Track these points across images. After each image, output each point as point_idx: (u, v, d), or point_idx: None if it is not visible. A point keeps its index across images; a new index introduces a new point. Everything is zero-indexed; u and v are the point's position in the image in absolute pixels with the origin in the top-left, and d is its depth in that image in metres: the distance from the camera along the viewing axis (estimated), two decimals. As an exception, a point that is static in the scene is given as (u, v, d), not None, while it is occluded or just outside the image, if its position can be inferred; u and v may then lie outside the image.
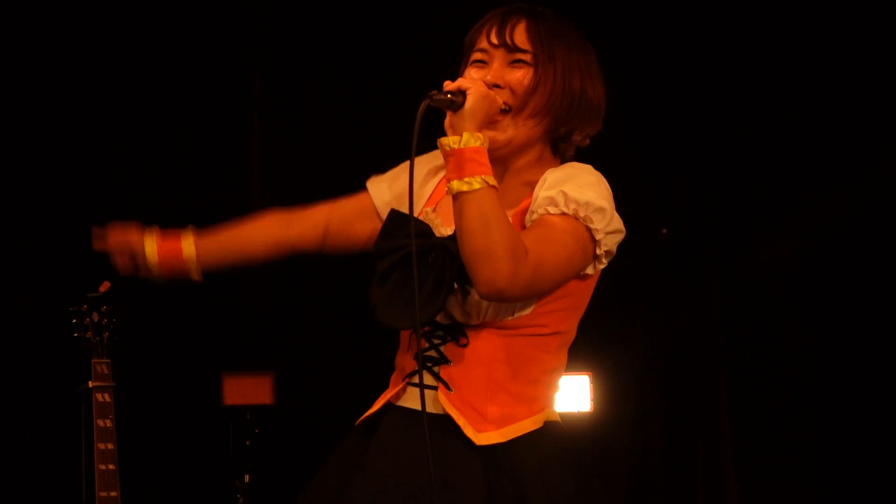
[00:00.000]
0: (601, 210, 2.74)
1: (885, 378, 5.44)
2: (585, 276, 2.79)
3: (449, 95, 2.70)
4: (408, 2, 5.65)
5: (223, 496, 5.44)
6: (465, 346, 2.78)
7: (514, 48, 2.84)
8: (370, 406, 2.86)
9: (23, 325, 5.47)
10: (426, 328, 2.78)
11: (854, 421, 5.47)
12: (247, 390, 5.37)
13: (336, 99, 5.75)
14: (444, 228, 2.83)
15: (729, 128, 5.66)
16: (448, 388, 2.78)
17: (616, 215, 2.78)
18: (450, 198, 2.76)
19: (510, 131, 2.81)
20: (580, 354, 5.14)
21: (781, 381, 5.55)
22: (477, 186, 2.66)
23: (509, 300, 2.72)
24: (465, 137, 2.68)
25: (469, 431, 2.75)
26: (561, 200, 2.73)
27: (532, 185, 2.84)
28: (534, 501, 2.74)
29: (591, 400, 5.22)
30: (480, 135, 2.70)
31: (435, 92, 2.71)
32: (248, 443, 5.35)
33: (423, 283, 2.72)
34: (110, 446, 4.57)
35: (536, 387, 2.80)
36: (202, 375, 5.50)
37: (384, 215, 2.88)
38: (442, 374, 2.79)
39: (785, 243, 5.53)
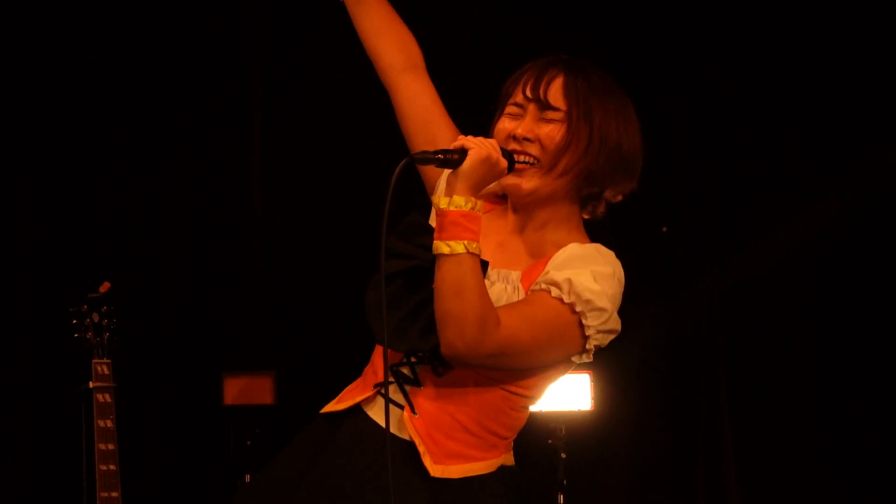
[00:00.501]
0: (601, 311, 2.72)
1: (886, 376, 5.42)
2: (570, 364, 2.79)
3: (439, 155, 2.69)
4: (408, 6, 5.70)
5: (224, 496, 5.43)
6: (440, 375, 2.77)
7: (546, 105, 2.82)
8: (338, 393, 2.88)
9: (23, 325, 5.46)
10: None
11: (855, 419, 5.46)
12: (247, 390, 5.36)
13: (337, 102, 5.70)
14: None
15: (729, 126, 5.65)
16: (413, 411, 2.77)
17: (615, 316, 2.76)
18: (499, 239, 2.83)
19: (535, 181, 2.78)
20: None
21: (782, 379, 5.55)
22: (458, 251, 2.66)
23: (471, 366, 2.71)
24: (454, 199, 2.67)
25: (427, 461, 2.75)
26: (565, 288, 2.71)
27: (555, 246, 2.83)
28: None
29: (592, 398, 5.19)
30: (473, 199, 2.68)
31: (424, 151, 2.73)
32: (248, 443, 5.34)
33: (426, 306, 2.71)
34: (111, 447, 4.57)
35: (497, 438, 2.81)
36: (203, 375, 5.50)
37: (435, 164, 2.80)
38: (411, 396, 2.79)
39: (785, 241, 5.51)
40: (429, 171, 2.95)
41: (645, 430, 5.55)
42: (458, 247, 2.66)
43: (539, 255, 2.83)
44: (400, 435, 2.78)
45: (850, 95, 5.48)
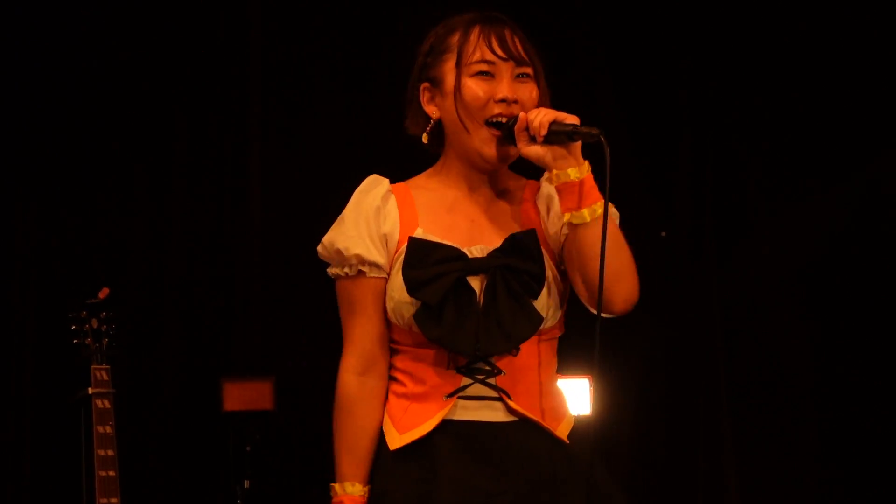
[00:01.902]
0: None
1: (888, 378, 5.42)
2: None
3: (583, 129, 2.72)
4: (407, 6, 5.58)
5: (224, 502, 5.43)
6: (516, 355, 2.80)
7: (521, 61, 2.83)
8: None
9: (22, 331, 5.45)
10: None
11: (857, 423, 5.45)
12: (247, 396, 5.35)
13: (335, 104, 5.71)
14: (470, 249, 2.83)
15: (727, 129, 5.65)
16: (509, 396, 2.79)
17: None
18: (443, 214, 2.85)
19: (524, 146, 2.82)
20: (580, 357, 5.18)
21: (783, 383, 5.55)
22: (600, 212, 2.73)
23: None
24: (585, 166, 2.75)
25: (551, 429, 2.80)
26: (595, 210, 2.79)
27: (512, 193, 2.90)
28: (605, 481, 2.81)
29: (592, 402, 5.21)
30: (586, 164, 2.77)
31: (563, 125, 2.73)
32: (248, 448, 5.33)
33: (498, 303, 2.75)
34: (110, 452, 4.56)
35: (557, 386, 2.88)
36: (202, 381, 5.50)
37: (392, 258, 2.83)
38: (500, 384, 2.80)
39: (785, 244, 5.54)
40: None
41: (645, 435, 5.59)
42: (599, 208, 2.74)
43: (513, 212, 2.89)
44: (509, 418, 2.80)
45: (849, 99, 5.48)
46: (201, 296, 5.67)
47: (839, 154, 5.50)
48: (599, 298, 2.75)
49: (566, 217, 2.76)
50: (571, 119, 2.75)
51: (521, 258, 2.82)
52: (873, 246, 5.47)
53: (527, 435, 2.80)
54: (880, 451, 5.45)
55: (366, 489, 2.84)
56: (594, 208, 2.75)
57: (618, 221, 2.86)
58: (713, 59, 5.65)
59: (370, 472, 2.88)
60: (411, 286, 2.77)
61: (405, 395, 2.86)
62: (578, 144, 2.76)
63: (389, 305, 2.84)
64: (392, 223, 2.89)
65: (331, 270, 2.91)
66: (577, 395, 5.16)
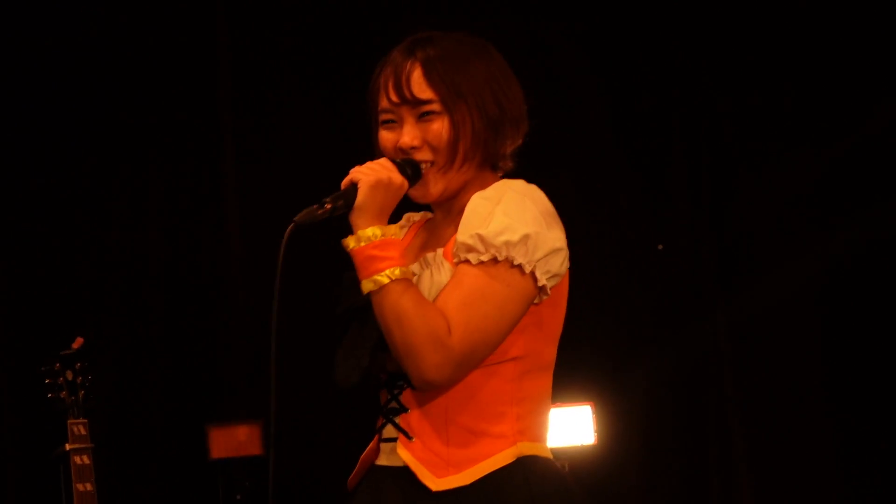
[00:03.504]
0: (523, 241, 2.64)
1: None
2: (539, 303, 2.71)
3: (327, 205, 2.62)
4: (384, 14, 5.59)
5: None
6: (413, 388, 2.70)
7: (417, 101, 2.72)
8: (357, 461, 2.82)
9: None
10: (384, 378, 2.72)
11: (869, 442, 5.48)
12: (234, 441, 5.42)
13: (311, 133, 5.70)
14: None
15: (722, 142, 5.65)
16: (408, 437, 2.70)
17: (545, 233, 2.68)
18: (415, 245, 2.80)
19: (441, 184, 2.71)
20: (581, 383, 5.28)
21: (795, 405, 5.59)
22: (384, 282, 2.61)
23: (448, 384, 2.66)
24: (361, 235, 2.64)
25: (426, 479, 2.66)
26: (479, 246, 2.63)
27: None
28: None
29: (595, 431, 5.24)
30: (378, 227, 2.64)
31: (314, 207, 2.63)
32: (238, 497, 5.44)
33: (373, 331, 2.66)
34: None
35: (503, 421, 2.69)
36: (186, 428, 5.55)
37: None
38: (402, 424, 2.71)
39: (790, 263, 5.56)
40: None
41: (653, 463, 5.66)
42: (382, 278, 2.62)
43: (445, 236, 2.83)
44: (397, 465, 2.69)
45: (849, 110, 5.45)
46: (181, 340, 5.70)
47: (844, 177, 5.47)
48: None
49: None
50: (356, 176, 2.64)
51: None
52: (880, 267, 5.48)
53: (406, 486, 2.71)
54: (889, 480, 5.50)
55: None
56: (375, 280, 2.62)
57: (393, 294, 2.65)
58: (707, 72, 5.66)
59: None
60: (338, 317, 2.78)
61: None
62: (360, 208, 2.63)
63: None
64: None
65: None
66: (579, 423, 5.13)
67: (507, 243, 2.63)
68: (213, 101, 5.91)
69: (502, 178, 2.86)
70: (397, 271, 2.62)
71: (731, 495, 5.66)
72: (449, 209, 2.81)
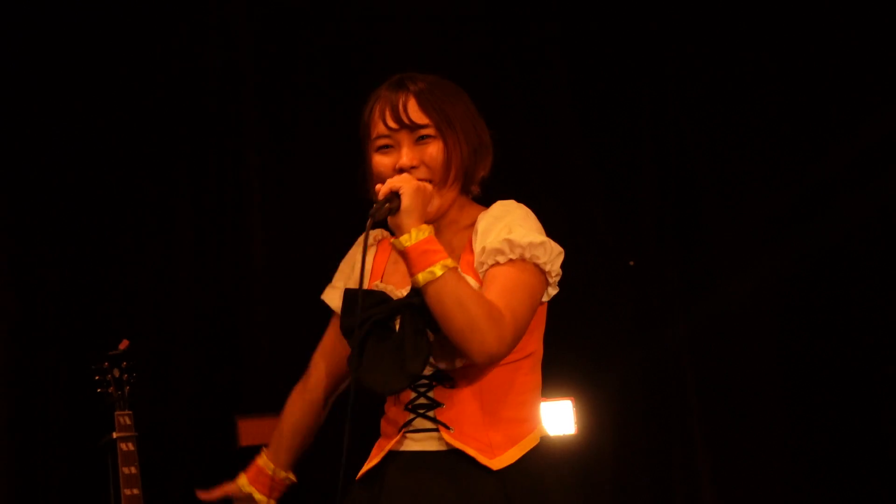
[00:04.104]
0: (542, 244, 2.76)
1: (851, 393, 5.35)
2: (543, 302, 2.83)
3: (386, 205, 2.69)
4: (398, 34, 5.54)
5: None
6: (451, 387, 2.78)
7: (415, 126, 2.81)
8: (368, 453, 2.91)
9: (52, 383, 5.39)
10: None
11: (821, 434, 5.37)
12: (260, 431, 5.18)
13: (332, 154, 5.48)
14: (398, 291, 2.85)
15: (688, 157, 5.55)
16: (448, 427, 2.78)
17: (550, 240, 2.80)
18: (395, 264, 2.87)
19: (436, 202, 2.81)
20: (563, 380, 5.15)
21: (751, 401, 5.46)
22: (440, 273, 2.67)
23: (504, 357, 2.73)
24: (413, 234, 2.69)
25: (483, 460, 2.76)
26: (507, 249, 2.74)
27: (467, 230, 2.88)
28: None
29: (575, 423, 5.17)
30: (425, 226, 2.71)
31: (374, 208, 2.70)
32: None
33: (403, 340, 2.72)
34: (136, 491, 4.55)
35: (525, 408, 2.82)
36: (218, 419, 5.45)
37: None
38: (439, 417, 2.79)
39: (747, 269, 5.44)
40: None
41: (624, 452, 5.50)
42: (438, 269, 2.67)
43: (465, 245, 2.86)
44: (441, 448, 2.80)
45: (815, 126, 5.37)
46: (213, 342, 5.62)
47: (800, 184, 5.39)
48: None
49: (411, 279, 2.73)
50: (400, 185, 2.72)
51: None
52: (835, 271, 5.37)
53: (459, 465, 2.78)
54: (845, 463, 5.36)
55: (270, 464, 3.27)
56: (431, 270, 2.68)
57: (451, 282, 2.71)
58: (674, 85, 5.56)
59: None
60: (345, 332, 2.82)
61: (380, 434, 2.91)
62: (407, 211, 2.71)
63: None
64: (355, 277, 2.91)
65: (322, 296, 3.11)
66: (561, 416, 5.13)
67: (531, 244, 2.76)
68: (239, 117, 5.69)
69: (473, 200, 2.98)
70: (450, 261, 2.70)
71: (693, 482, 5.49)
72: (438, 225, 2.87)
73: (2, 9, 5.41)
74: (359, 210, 2.96)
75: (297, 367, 5.48)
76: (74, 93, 5.48)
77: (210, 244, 5.67)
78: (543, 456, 2.84)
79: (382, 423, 2.91)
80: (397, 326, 2.79)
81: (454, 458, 2.80)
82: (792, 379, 5.42)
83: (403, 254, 2.70)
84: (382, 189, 2.73)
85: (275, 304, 5.63)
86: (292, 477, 3.27)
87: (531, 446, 2.82)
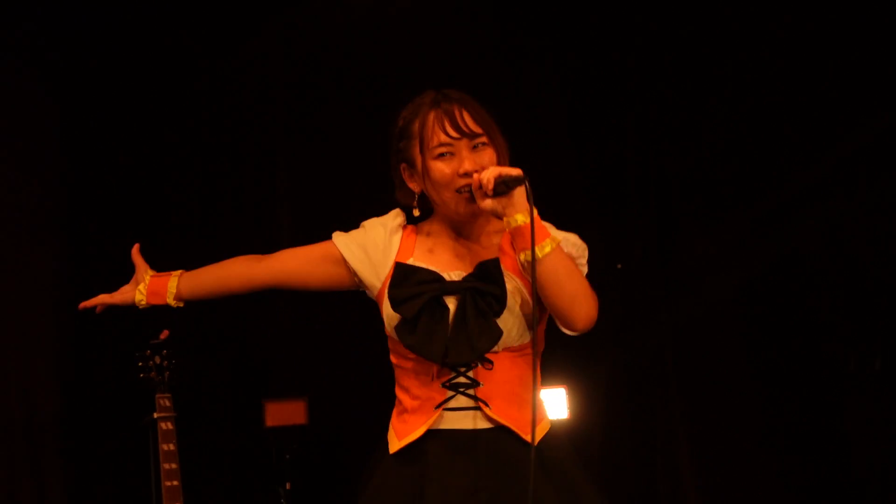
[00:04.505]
0: (575, 245, 2.85)
1: (816, 383, 5.34)
2: None
3: (525, 182, 2.71)
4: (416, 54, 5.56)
5: (269, 500, 5.40)
6: (490, 369, 2.80)
7: (473, 135, 2.83)
8: (401, 433, 2.85)
9: (100, 369, 5.48)
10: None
11: (789, 419, 5.36)
12: (285, 413, 5.39)
13: (340, 138, 5.67)
14: (449, 274, 2.85)
15: (669, 176, 5.54)
16: (487, 405, 2.81)
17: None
18: (435, 250, 2.87)
19: (487, 201, 2.80)
20: (558, 370, 5.22)
21: (724, 388, 5.44)
22: (551, 247, 2.74)
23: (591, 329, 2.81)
24: (528, 214, 2.73)
25: (522, 435, 2.79)
26: (577, 251, 2.84)
27: (498, 234, 2.89)
28: (579, 480, 2.83)
29: (569, 409, 5.22)
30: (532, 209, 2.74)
31: (505, 179, 2.71)
32: (287, 457, 5.38)
33: (467, 319, 2.75)
34: (174, 466, 4.66)
35: (537, 396, 2.85)
36: (247, 402, 5.53)
37: (355, 267, 2.90)
38: (478, 395, 2.81)
39: (721, 273, 5.43)
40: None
41: (611, 433, 5.51)
42: (552, 242, 2.74)
43: (490, 249, 2.89)
44: (487, 425, 2.81)
45: (783, 134, 5.36)
46: (243, 333, 5.68)
47: (774, 193, 5.38)
48: (534, 321, 2.74)
49: (521, 256, 2.73)
50: (515, 171, 2.73)
51: (487, 282, 2.79)
52: (803, 272, 5.37)
53: (501, 440, 2.80)
54: (812, 442, 5.36)
55: (169, 283, 3.10)
56: (542, 245, 2.73)
57: (578, 252, 2.82)
58: (659, 87, 5.52)
59: (366, 476, 2.87)
60: (394, 302, 2.79)
61: (404, 410, 2.86)
62: (521, 192, 2.72)
63: (385, 321, 2.84)
64: (385, 253, 2.90)
65: (334, 235, 2.97)
66: (555, 403, 5.17)
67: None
68: (271, 130, 5.74)
69: None
70: (558, 238, 2.76)
71: (673, 459, 5.47)
72: (470, 227, 2.89)
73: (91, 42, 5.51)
74: (370, 207, 3.02)
75: (318, 355, 5.57)
76: (145, 108, 5.58)
77: (242, 245, 5.46)
78: (557, 436, 2.87)
79: (406, 399, 2.87)
80: (452, 306, 2.79)
81: (495, 434, 2.80)
82: (759, 368, 5.40)
83: (519, 230, 2.71)
84: (489, 175, 2.73)
85: (297, 300, 5.56)
86: (181, 305, 3.14)
87: (548, 428, 2.86)
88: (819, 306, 5.35)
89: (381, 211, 3.01)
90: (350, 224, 3.03)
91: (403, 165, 2.91)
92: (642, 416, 5.54)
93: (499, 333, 2.77)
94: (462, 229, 2.90)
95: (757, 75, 5.41)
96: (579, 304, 2.75)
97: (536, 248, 2.71)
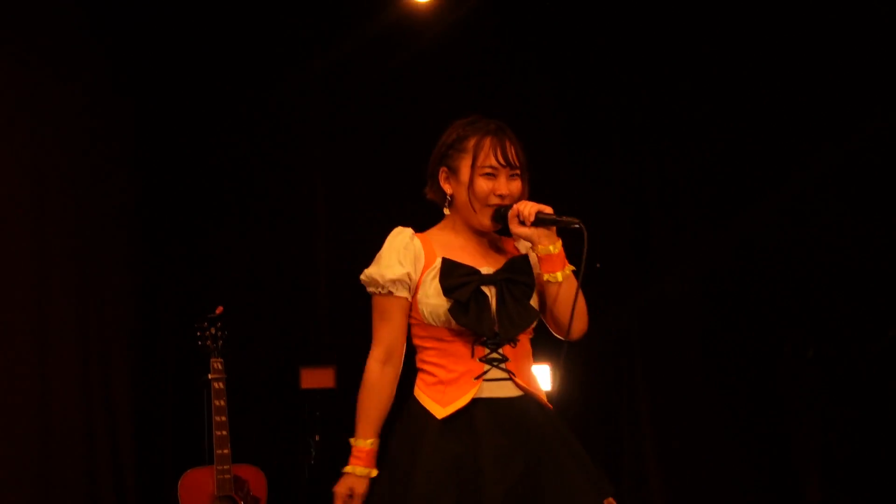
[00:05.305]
0: None
1: (753, 362, 5.41)
2: None
3: (564, 221, 2.82)
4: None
5: (302, 448, 5.52)
6: (515, 346, 2.91)
7: (514, 166, 2.94)
8: (445, 398, 2.87)
9: (166, 338, 5.56)
10: (484, 338, 2.86)
11: (738, 397, 5.41)
12: (317, 377, 5.51)
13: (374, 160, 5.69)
14: (483, 269, 2.93)
15: (642, 200, 5.58)
16: (514, 376, 2.90)
17: None
18: (462, 251, 2.93)
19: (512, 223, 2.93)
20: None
21: (682, 364, 5.52)
22: (568, 272, 2.92)
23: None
24: (557, 244, 2.89)
25: (543, 401, 2.93)
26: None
27: (496, 243, 3.00)
28: (571, 436, 2.93)
29: (552, 382, 5.24)
30: (558, 239, 2.88)
31: (550, 217, 2.81)
32: (318, 414, 5.52)
33: (506, 303, 2.84)
34: (223, 419, 4.75)
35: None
36: (285, 368, 5.64)
37: (414, 281, 2.92)
38: (507, 367, 2.90)
39: (680, 271, 5.52)
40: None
41: (587, 402, 5.60)
42: (568, 270, 2.91)
43: (502, 253, 2.98)
44: (517, 393, 2.89)
45: (755, 140, 5.35)
46: (284, 309, 5.74)
47: (731, 196, 5.42)
48: (569, 329, 2.90)
49: (546, 276, 2.87)
50: (548, 209, 2.84)
51: (519, 274, 2.90)
52: (748, 267, 5.42)
53: (529, 405, 2.90)
54: (761, 414, 5.41)
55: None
56: (564, 272, 2.89)
57: (579, 281, 2.91)
58: (639, 88, 5.48)
59: (411, 439, 2.87)
60: (446, 290, 2.85)
61: (440, 382, 2.90)
62: (554, 228, 2.84)
63: (426, 310, 2.88)
64: (417, 254, 2.94)
65: (369, 289, 2.95)
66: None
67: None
68: (308, 134, 5.78)
69: None
70: (570, 267, 2.89)
71: (636, 421, 5.55)
72: (487, 236, 2.98)
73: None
74: (399, 202, 3.18)
75: (345, 331, 5.47)
76: (205, 125, 5.61)
77: (283, 236, 5.74)
78: (554, 404, 2.98)
79: (441, 373, 2.87)
80: (489, 293, 2.86)
81: (525, 401, 2.87)
82: (711, 352, 5.48)
83: (548, 256, 2.83)
84: (529, 209, 2.81)
85: (331, 281, 5.74)
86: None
87: (545, 394, 2.97)
88: (762, 300, 5.38)
89: (405, 219, 3.04)
90: (377, 231, 3.05)
91: (444, 169, 2.97)
92: (613, 387, 5.63)
93: (536, 313, 2.90)
94: (473, 235, 2.99)
95: (722, 97, 5.42)
96: (579, 321, 2.92)
97: (559, 273, 2.85)
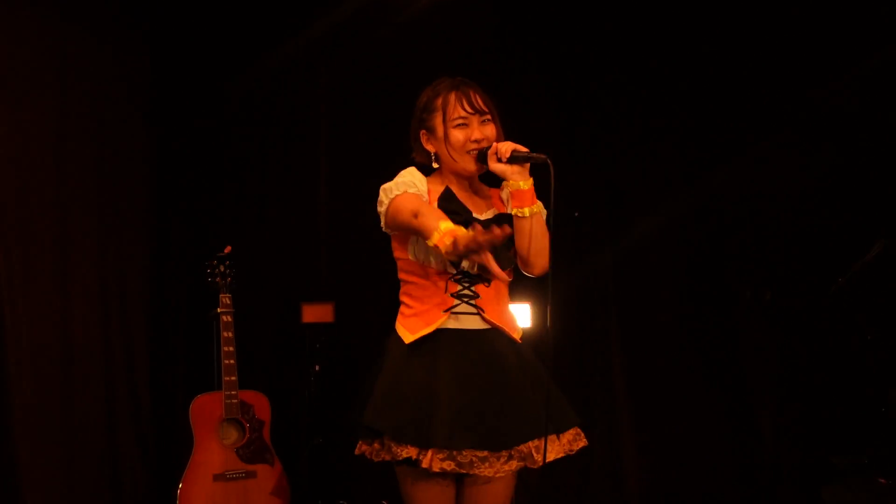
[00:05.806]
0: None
1: (719, 312, 5.37)
2: None
3: (535, 157, 2.84)
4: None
5: (302, 377, 5.48)
6: (488, 286, 2.98)
7: (483, 112, 3.00)
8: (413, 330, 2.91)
9: (179, 274, 5.56)
10: (458, 275, 2.90)
11: (702, 337, 5.39)
12: (317, 313, 5.43)
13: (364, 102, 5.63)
14: (474, 215, 3.01)
15: (613, 149, 5.52)
16: (483, 312, 2.97)
17: None
18: (462, 197, 2.97)
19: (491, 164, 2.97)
20: (524, 290, 5.08)
21: (653, 307, 5.50)
22: (538, 209, 2.95)
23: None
24: (530, 181, 2.92)
25: (513, 333, 3.00)
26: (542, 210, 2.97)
27: (483, 191, 3.06)
28: (540, 367, 2.97)
29: (531, 320, 5.21)
30: (531, 179, 2.91)
31: (520, 154, 2.83)
32: (317, 346, 5.47)
33: (495, 248, 2.79)
34: (231, 349, 4.78)
35: (510, 309, 3.09)
36: (288, 303, 5.57)
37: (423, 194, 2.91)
38: (477, 303, 2.97)
39: (651, 220, 5.48)
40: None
41: (563, 340, 5.55)
42: (536, 207, 2.93)
43: (487, 199, 3.04)
44: (485, 326, 2.94)
45: (711, 112, 5.31)
46: (287, 249, 5.69)
47: (699, 158, 5.40)
48: (550, 266, 2.91)
49: (514, 211, 2.93)
50: (523, 149, 2.90)
51: (504, 222, 2.92)
52: (723, 230, 5.39)
53: (494, 337, 2.98)
54: (730, 365, 5.37)
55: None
56: (532, 208, 2.92)
57: (545, 217, 2.98)
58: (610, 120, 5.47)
59: (382, 362, 2.92)
60: (444, 211, 2.89)
61: (414, 314, 2.98)
62: (527, 165, 2.90)
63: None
64: (424, 189, 2.99)
65: (393, 193, 2.91)
66: (521, 315, 5.18)
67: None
68: (313, 95, 5.72)
69: None
70: (540, 203, 2.91)
71: (607, 357, 5.51)
72: (472, 183, 3.03)
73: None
74: (397, 154, 3.11)
75: (344, 269, 5.52)
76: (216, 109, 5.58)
77: (288, 189, 5.71)
78: (526, 341, 3.06)
79: (416, 305, 2.92)
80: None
81: (491, 333, 2.94)
82: (678, 295, 5.46)
83: (520, 192, 2.85)
84: (506, 147, 2.84)
85: (332, 224, 5.72)
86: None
87: (520, 332, 3.06)
88: (727, 249, 5.38)
89: (402, 165, 3.07)
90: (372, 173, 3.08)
91: (423, 132, 3.03)
92: (588, 326, 5.59)
93: (510, 262, 2.99)
94: (463, 183, 3.05)
95: (686, 73, 5.40)
96: (541, 257, 2.96)
97: (527, 209, 2.87)
